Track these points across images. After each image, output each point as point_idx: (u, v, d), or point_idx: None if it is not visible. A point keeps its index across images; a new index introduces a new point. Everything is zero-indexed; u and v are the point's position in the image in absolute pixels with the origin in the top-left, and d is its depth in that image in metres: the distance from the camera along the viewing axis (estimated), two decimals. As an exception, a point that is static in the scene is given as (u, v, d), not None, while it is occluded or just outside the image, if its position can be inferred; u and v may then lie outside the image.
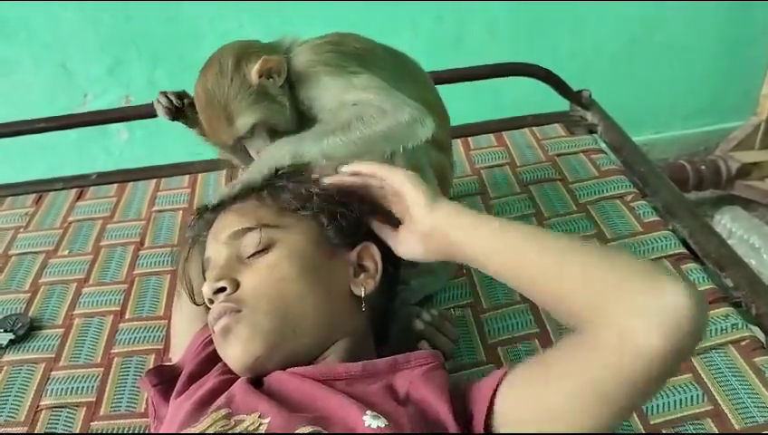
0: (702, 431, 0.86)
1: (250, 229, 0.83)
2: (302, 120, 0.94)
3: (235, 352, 0.79)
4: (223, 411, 0.72)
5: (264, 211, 0.86)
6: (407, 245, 0.82)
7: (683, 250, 1.12)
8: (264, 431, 0.68)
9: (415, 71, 1.07)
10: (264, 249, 0.82)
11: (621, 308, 0.61)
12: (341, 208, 0.85)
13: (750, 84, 2.61)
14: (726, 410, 0.87)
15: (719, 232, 1.20)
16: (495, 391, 0.69)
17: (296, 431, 0.66)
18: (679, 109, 2.73)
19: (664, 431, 0.86)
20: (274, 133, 0.91)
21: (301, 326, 0.80)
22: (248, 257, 0.83)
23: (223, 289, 0.80)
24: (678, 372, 0.92)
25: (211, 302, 0.82)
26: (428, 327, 0.95)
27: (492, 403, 0.68)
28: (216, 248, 0.86)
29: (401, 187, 0.81)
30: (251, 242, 0.83)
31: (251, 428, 0.69)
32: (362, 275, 0.86)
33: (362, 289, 0.85)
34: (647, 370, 0.59)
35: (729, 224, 2.23)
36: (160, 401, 0.88)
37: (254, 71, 0.88)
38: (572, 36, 2.44)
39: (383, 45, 1.03)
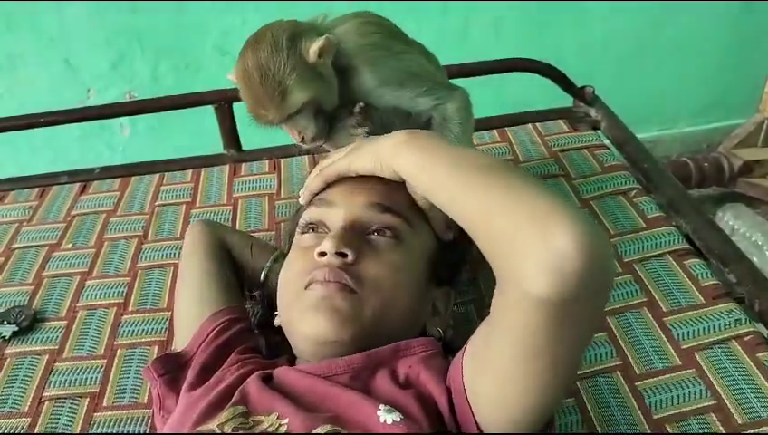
0: (705, 426, 0.86)
1: (390, 210, 0.82)
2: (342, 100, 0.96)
3: (325, 324, 0.75)
4: (240, 408, 0.72)
5: (405, 199, 0.85)
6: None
7: (686, 246, 1.12)
8: (284, 432, 0.68)
9: (426, 49, 1.08)
10: (390, 236, 0.81)
11: (516, 260, 0.58)
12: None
13: (753, 82, 2.61)
14: (729, 405, 0.87)
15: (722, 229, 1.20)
16: (463, 357, 0.69)
17: (315, 432, 0.65)
18: (683, 106, 2.73)
19: (668, 427, 0.86)
20: (319, 113, 0.91)
21: (386, 333, 0.78)
22: (372, 234, 0.81)
23: (344, 255, 0.78)
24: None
25: (322, 255, 0.78)
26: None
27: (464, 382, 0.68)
28: (348, 205, 0.83)
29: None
30: (384, 222, 0.81)
31: (270, 429, 0.68)
32: (437, 318, 0.86)
33: (434, 330, 0.85)
34: (549, 320, 0.57)
35: (732, 221, 2.23)
36: (167, 392, 0.87)
37: (313, 49, 0.87)
38: (578, 32, 2.44)
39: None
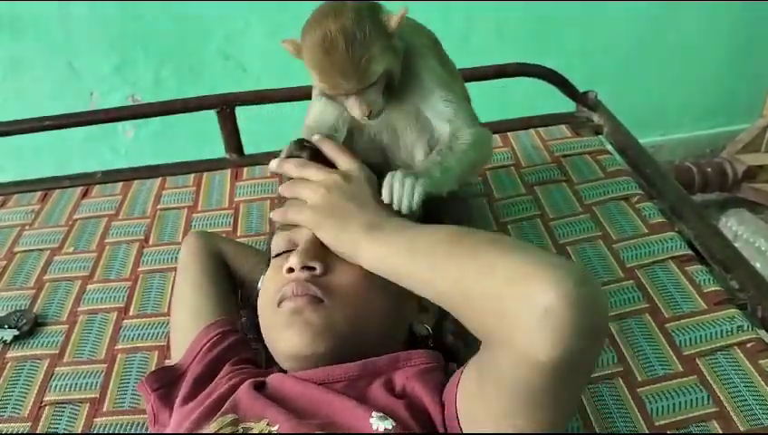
0: (707, 433, 0.85)
1: None
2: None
3: (298, 339, 0.76)
4: (229, 417, 0.72)
5: None
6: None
7: (688, 252, 1.12)
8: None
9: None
10: None
11: (505, 325, 0.57)
12: None
13: (757, 86, 2.61)
14: (731, 412, 0.87)
15: (725, 235, 1.19)
16: (457, 388, 0.69)
17: None
18: (686, 111, 2.73)
19: (668, 433, 0.86)
20: (386, 88, 0.90)
21: (366, 340, 0.79)
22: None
23: (312, 268, 0.78)
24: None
25: (290, 271, 0.79)
26: None
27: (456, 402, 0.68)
28: None
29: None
30: None
31: (262, 434, 0.68)
32: (424, 316, 0.86)
33: (421, 330, 0.85)
34: (551, 378, 0.57)
35: (735, 226, 2.22)
36: (161, 407, 0.87)
37: (395, 19, 0.86)
38: (581, 37, 2.44)
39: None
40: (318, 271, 0.78)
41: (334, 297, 0.77)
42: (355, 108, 0.90)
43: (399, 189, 0.84)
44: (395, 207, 0.83)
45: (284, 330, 0.77)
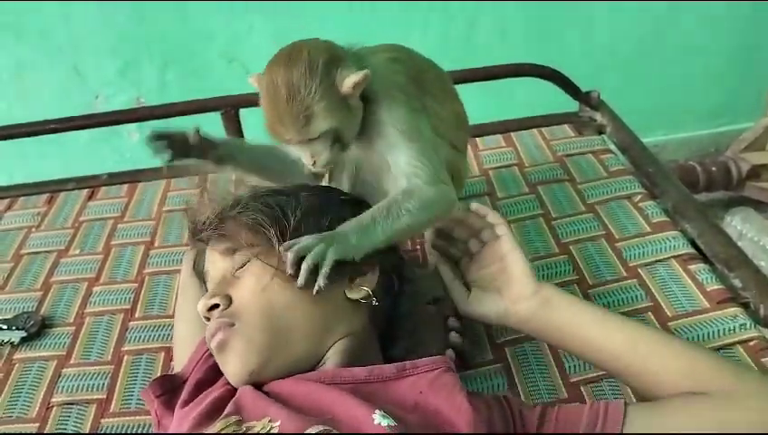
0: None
1: (235, 249, 0.85)
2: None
3: (233, 367, 0.80)
4: (233, 418, 0.73)
5: (245, 225, 0.85)
6: (486, 307, 0.90)
7: (691, 250, 1.12)
8: (275, 434, 0.68)
9: (445, 81, 1.07)
10: (249, 265, 0.83)
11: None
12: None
13: (761, 85, 2.60)
14: (734, 410, 0.87)
15: (729, 233, 1.19)
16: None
17: (307, 432, 0.66)
18: (690, 110, 2.72)
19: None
20: (336, 142, 0.90)
21: (293, 335, 0.81)
22: (237, 271, 0.84)
23: (216, 306, 0.82)
24: None
25: (208, 319, 0.83)
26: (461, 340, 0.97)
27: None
28: (213, 263, 0.88)
29: (510, 254, 0.90)
30: (238, 259, 0.84)
31: (262, 432, 0.69)
32: (358, 279, 0.86)
33: (359, 292, 0.86)
34: None
35: (740, 225, 2.22)
36: (164, 412, 0.88)
37: (348, 83, 0.85)
38: (584, 37, 2.44)
39: (423, 61, 1.03)
40: (222, 305, 0.82)
41: (242, 317, 0.81)
42: (301, 156, 0.92)
43: (307, 267, 0.79)
44: (299, 284, 0.79)
45: (223, 366, 0.82)
